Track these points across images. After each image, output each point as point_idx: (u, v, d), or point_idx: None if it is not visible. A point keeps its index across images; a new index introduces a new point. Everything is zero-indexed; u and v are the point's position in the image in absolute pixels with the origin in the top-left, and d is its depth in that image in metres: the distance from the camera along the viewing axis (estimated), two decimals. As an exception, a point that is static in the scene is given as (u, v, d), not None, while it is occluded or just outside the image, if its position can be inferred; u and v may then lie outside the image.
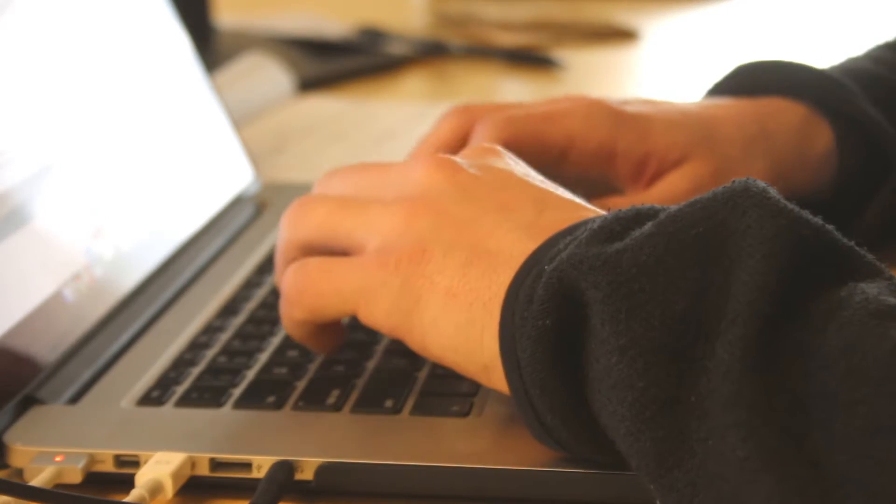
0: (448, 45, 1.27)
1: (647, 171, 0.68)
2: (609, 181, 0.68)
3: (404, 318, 0.51)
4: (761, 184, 0.45)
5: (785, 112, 0.71)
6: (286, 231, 0.57)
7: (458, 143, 0.66)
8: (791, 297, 0.42)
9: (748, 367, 0.40)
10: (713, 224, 0.44)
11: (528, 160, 0.62)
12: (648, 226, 0.45)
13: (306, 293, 0.54)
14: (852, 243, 0.44)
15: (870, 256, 0.44)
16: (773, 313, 0.41)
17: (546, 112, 0.68)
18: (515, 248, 0.50)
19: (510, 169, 0.55)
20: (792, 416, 0.40)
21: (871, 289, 0.41)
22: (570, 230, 0.49)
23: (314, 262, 0.54)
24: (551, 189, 0.54)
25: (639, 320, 0.43)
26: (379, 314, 0.52)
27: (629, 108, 0.69)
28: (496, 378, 0.50)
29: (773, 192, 0.45)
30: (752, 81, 0.72)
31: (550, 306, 0.46)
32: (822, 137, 0.70)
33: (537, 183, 0.54)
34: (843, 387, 0.39)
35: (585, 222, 0.49)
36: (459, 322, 0.50)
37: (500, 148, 0.57)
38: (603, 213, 0.51)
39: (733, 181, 0.45)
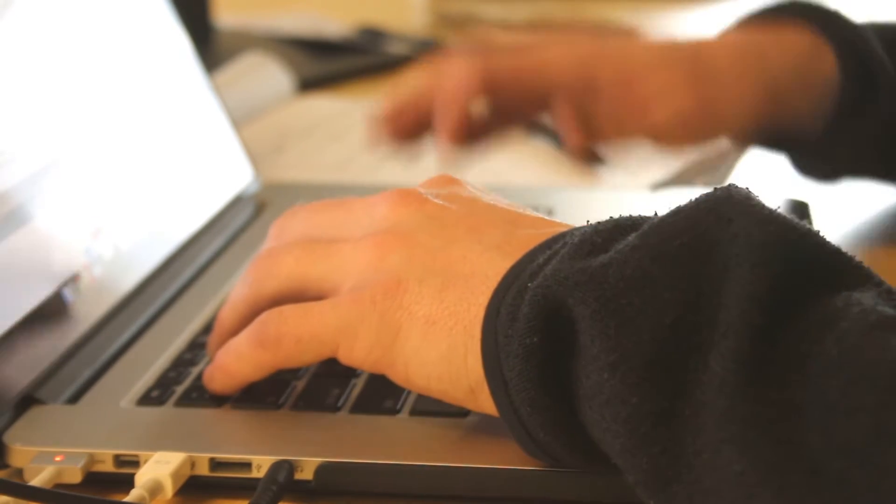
0: (448, 45, 1.27)
1: (630, 106, 0.69)
2: (591, 119, 0.71)
3: (385, 353, 0.51)
4: (744, 190, 0.45)
5: (790, 35, 0.73)
6: (255, 285, 0.55)
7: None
8: (782, 305, 0.41)
9: (741, 380, 0.40)
10: (697, 234, 0.43)
11: (508, 104, 0.62)
12: (632, 237, 0.45)
13: (284, 341, 0.52)
14: (838, 247, 0.44)
15: (856, 260, 0.44)
16: (765, 324, 0.41)
17: (523, 56, 0.69)
18: (490, 268, 0.49)
19: (475, 196, 0.54)
20: (788, 424, 0.39)
21: (866, 299, 0.41)
22: (548, 244, 0.49)
23: (290, 310, 0.53)
24: (520, 210, 0.53)
25: (628, 335, 0.43)
26: (359, 352, 0.51)
27: (612, 45, 0.70)
28: (483, 399, 0.49)
29: (757, 198, 0.44)
30: (769, 13, 0.75)
31: (537, 324, 0.45)
32: (826, 64, 0.73)
33: (504, 205, 0.54)
34: (845, 395, 0.39)
35: (563, 235, 0.49)
36: (441, 349, 0.49)
37: (461, 179, 0.56)
38: (574, 226, 0.51)
39: (715, 189, 0.45)
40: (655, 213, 0.47)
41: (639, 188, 0.83)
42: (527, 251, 0.49)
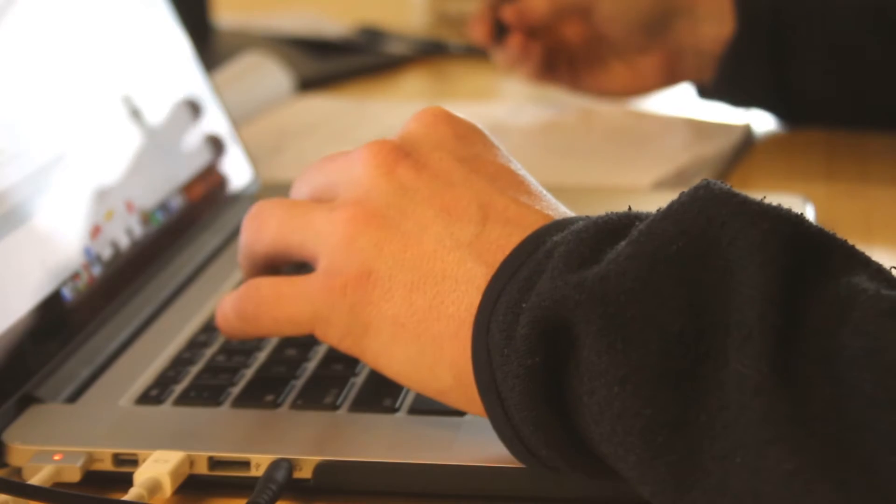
0: (448, 44, 1.27)
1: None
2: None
3: (356, 342, 0.51)
4: (724, 186, 0.44)
5: None
6: (248, 245, 0.56)
7: None
8: (791, 300, 0.41)
9: (776, 381, 0.40)
10: (690, 238, 0.43)
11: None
12: (623, 245, 0.44)
13: (262, 319, 0.54)
14: (821, 228, 0.43)
15: (840, 238, 0.43)
16: (782, 322, 0.40)
17: None
18: (460, 271, 0.49)
19: (456, 152, 0.53)
20: (829, 420, 0.39)
21: (864, 283, 0.41)
22: (525, 249, 0.47)
23: (266, 287, 0.54)
24: (494, 184, 0.51)
25: (636, 348, 0.42)
26: (332, 338, 0.52)
27: None
28: (452, 400, 0.50)
29: (739, 193, 0.44)
30: None
31: (538, 345, 0.45)
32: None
33: (481, 178, 0.51)
34: (883, 385, 0.39)
35: (540, 239, 0.47)
36: (410, 353, 0.50)
37: (451, 113, 0.54)
38: (547, 213, 0.50)
39: (696, 188, 0.44)
40: (638, 216, 0.46)
41: (639, 188, 0.83)
42: (503, 260, 0.48)
